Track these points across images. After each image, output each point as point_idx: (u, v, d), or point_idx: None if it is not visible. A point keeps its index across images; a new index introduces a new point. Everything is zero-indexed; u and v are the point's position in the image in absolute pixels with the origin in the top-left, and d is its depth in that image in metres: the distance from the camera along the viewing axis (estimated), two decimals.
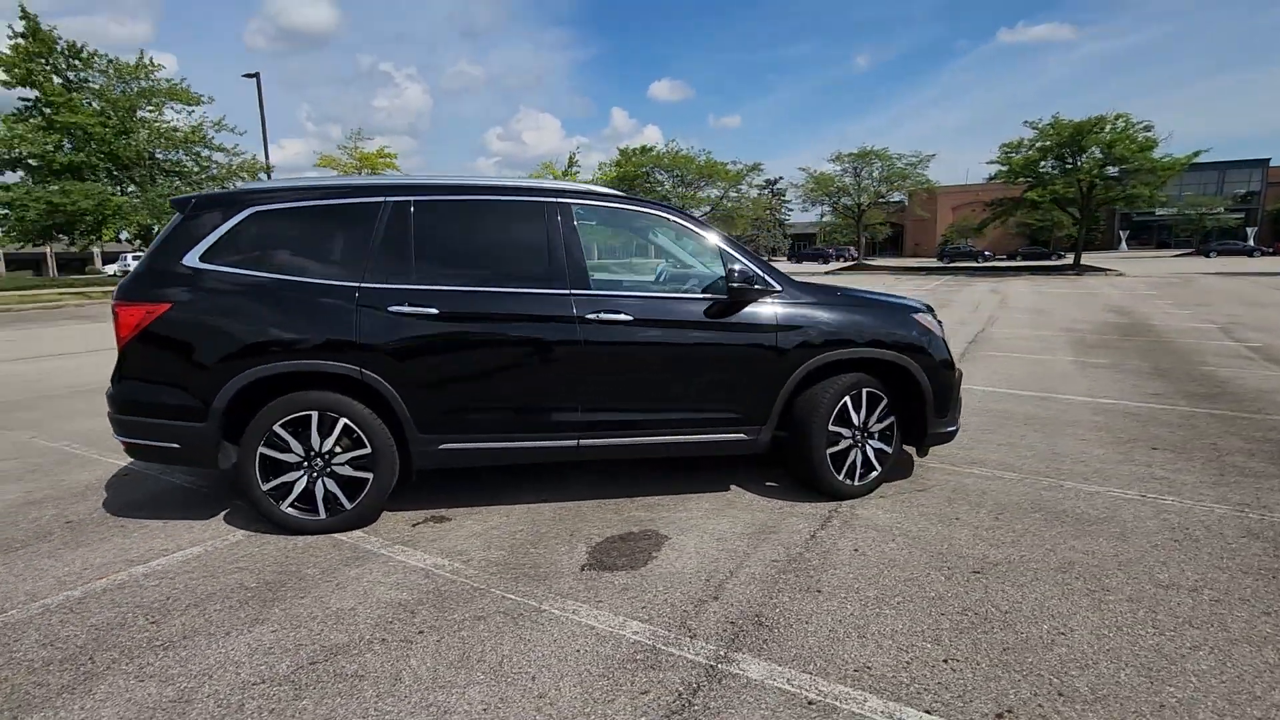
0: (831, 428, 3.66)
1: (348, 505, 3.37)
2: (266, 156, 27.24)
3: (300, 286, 3.30)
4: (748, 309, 3.59)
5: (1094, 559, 2.99)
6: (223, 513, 3.65)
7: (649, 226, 4.16)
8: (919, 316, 3.90)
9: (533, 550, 3.17)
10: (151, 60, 23.55)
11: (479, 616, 2.59)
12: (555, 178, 51.91)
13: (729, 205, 49.55)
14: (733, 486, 3.95)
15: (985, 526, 3.36)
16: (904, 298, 4.21)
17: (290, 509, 3.33)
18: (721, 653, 2.33)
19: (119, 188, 22.98)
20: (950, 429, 3.94)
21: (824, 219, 60.44)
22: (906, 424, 3.87)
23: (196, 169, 25.21)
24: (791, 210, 66.84)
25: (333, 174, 28.81)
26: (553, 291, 3.45)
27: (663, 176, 49.56)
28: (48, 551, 3.23)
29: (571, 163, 52.25)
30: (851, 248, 59.25)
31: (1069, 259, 38.41)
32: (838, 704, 2.06)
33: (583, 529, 3.40)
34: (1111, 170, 31.25)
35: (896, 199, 52.40)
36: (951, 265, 46.12)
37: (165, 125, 23.65)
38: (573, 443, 3.51)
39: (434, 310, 3.34)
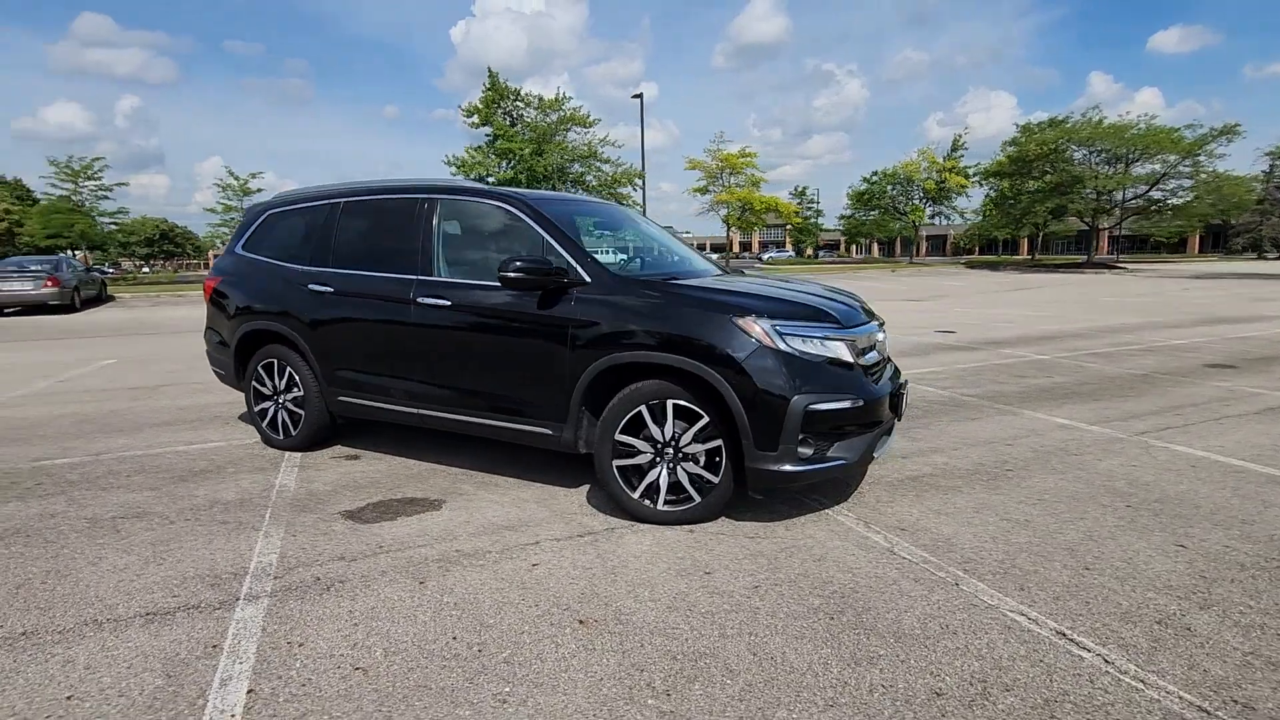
0: (620, 437, 3.28)
1: (293, 432, 4.50)
2: (643, 165, 31.93)
3: (273, 267, 4.51)
4: (548, 301, 3.45)
5: None
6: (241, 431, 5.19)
7: (488, 214, 4.02)
8: (744, 321, 3.10)
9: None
10: (563, 94, 30.20)
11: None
12: (931, 164, 47.26)
13: (1186, 184, 37.62)
14: (587, 488, 3.82)
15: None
16: (771, 295, 3.39)
17: (267, 428, 4.62)
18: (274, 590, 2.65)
19: None
20: (792, 469, 3.05)
21: None
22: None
23: (591, 179, 31.18)
24: None
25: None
26: (399, 276, 3.93)
27: (1080, 153, 40.39)
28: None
29: (956, 146, 46.61)
30: None
31: None
32: None
33: (371, 493, 3.86)
34: None
35: None
36: None
37: (568, 145, 29.96)
38: (415, 411, 3.96)
39: (331, 289, 4.18)
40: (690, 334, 3.14)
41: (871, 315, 3.75)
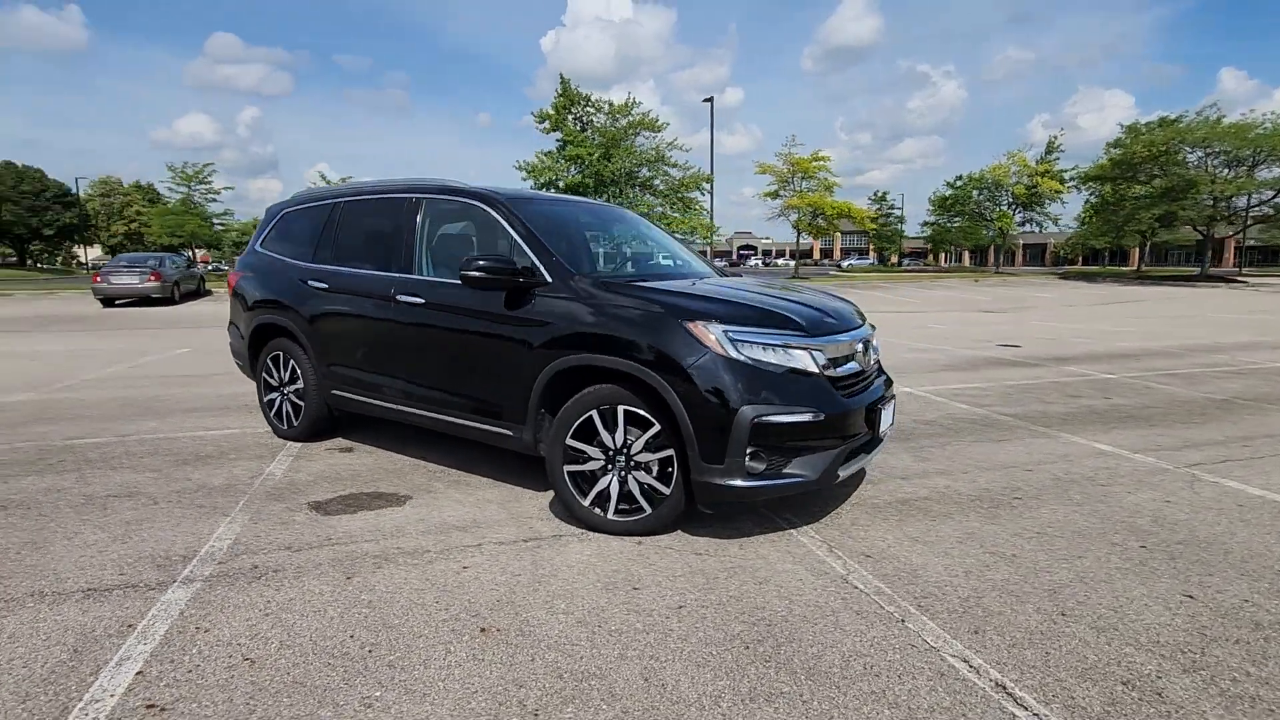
0: (571, 442, 3.18)
1: (295, 423, 4.67)
2: (712, 170, 31.70)
3: (283, 265, 4.69)
4: (513, 301, 3.40)
5: None
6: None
7: (466, 213, 4.03)
8: (694, 326, 2.93)
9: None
10: (633, 99, 30.38)
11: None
12: (1022, 168, 44.37)
13: None
14: (553, 493, 3.75)
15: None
16: (731, 299, 3.20)
17: (274, 418, 4.82)
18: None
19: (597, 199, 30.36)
20: (741, 484, 2.87)
21: None
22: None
23: (659, 183, 31.21)
24: None
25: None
26: (383, 273, 3.99)
27: (1195, 156, 36.94)
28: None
29: (1051, 148, 43.50)
30: None
31: None
32: None
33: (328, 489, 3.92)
34: None
35: None
36: None
37: (636, 149, 30.09)
38: (395, 407, 4.01)
39: (326, 285, 4.30)
40: (639, 338, 3.01)
41: (854, 324, 3.49)
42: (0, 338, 11.58)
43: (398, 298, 3.88)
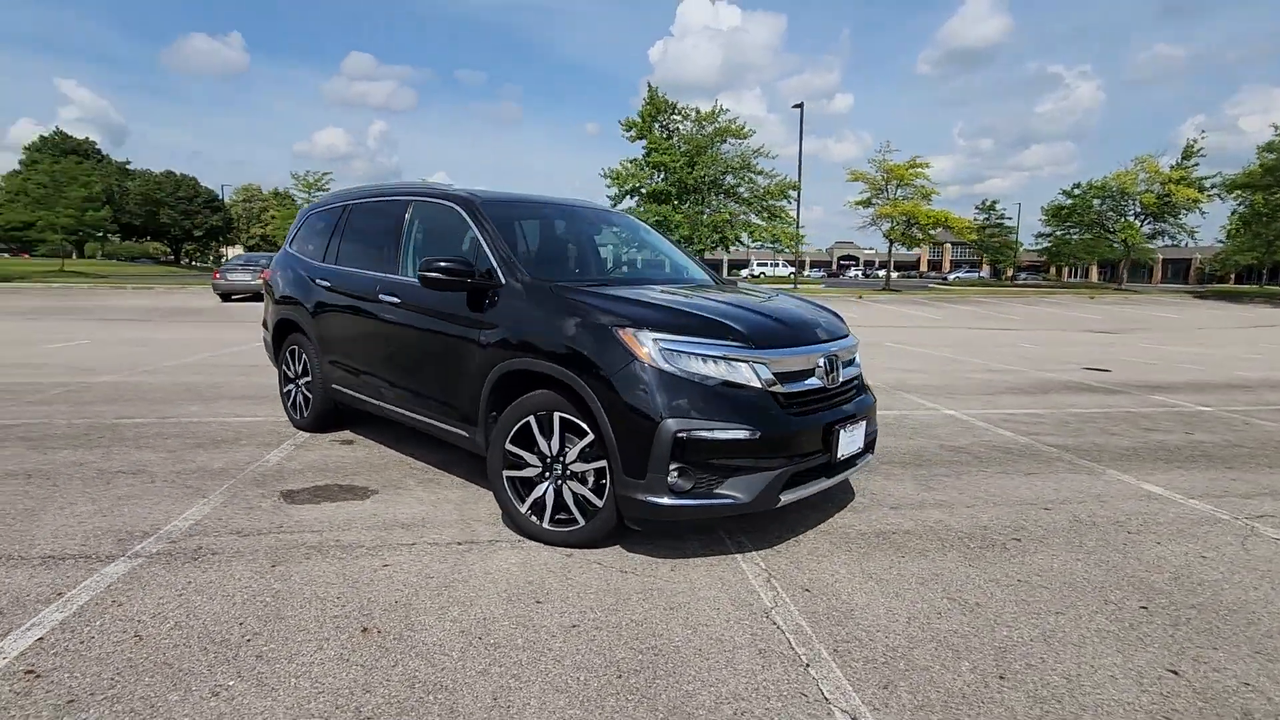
0: (510, 447, 3.13)
1: (305, 414, 4.91)
2: (800, 177, 30.92)
3: (302, 263, 4.95)
4: (472, 303, 3.39)
5: None
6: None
7: (444, 214, 3.94)
8: (624, 333, 2.79)
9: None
10: (720, 105, 30.16)
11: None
12: (1151, 174, 40.00)
13: None
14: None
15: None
16: (670, 306, 3.07)
17: (289, 408, 5.10)
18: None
19: (680, 206, 30.35)
20: (664, 501, 2.70)
21: None
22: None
23: (743, 190, 30.77)
24: None
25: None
26: (372, 273, 4.11)
27: None
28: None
29: (1189, 154, 38.87)
30: None
31: None
32: None
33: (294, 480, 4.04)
34: None
35: None
36: None
37: (721, 156, 29.80)
38: (378, 404, 4.12)
39: (328, 284, 4.49)
40: (572, 343, 2.92)
41: (815, 338, 3.21)
42: (127, 326, 13.03)
43: (380, 297, 3.99)
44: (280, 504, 3.54)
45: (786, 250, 30.95)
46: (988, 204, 59.71)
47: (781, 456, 2.82)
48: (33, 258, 54.14)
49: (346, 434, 4.93)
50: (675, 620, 2.49)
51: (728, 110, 29.73)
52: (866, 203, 35.80)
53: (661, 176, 30.06)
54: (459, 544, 3.11)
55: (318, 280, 4.62)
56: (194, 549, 2.96)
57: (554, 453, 3.04)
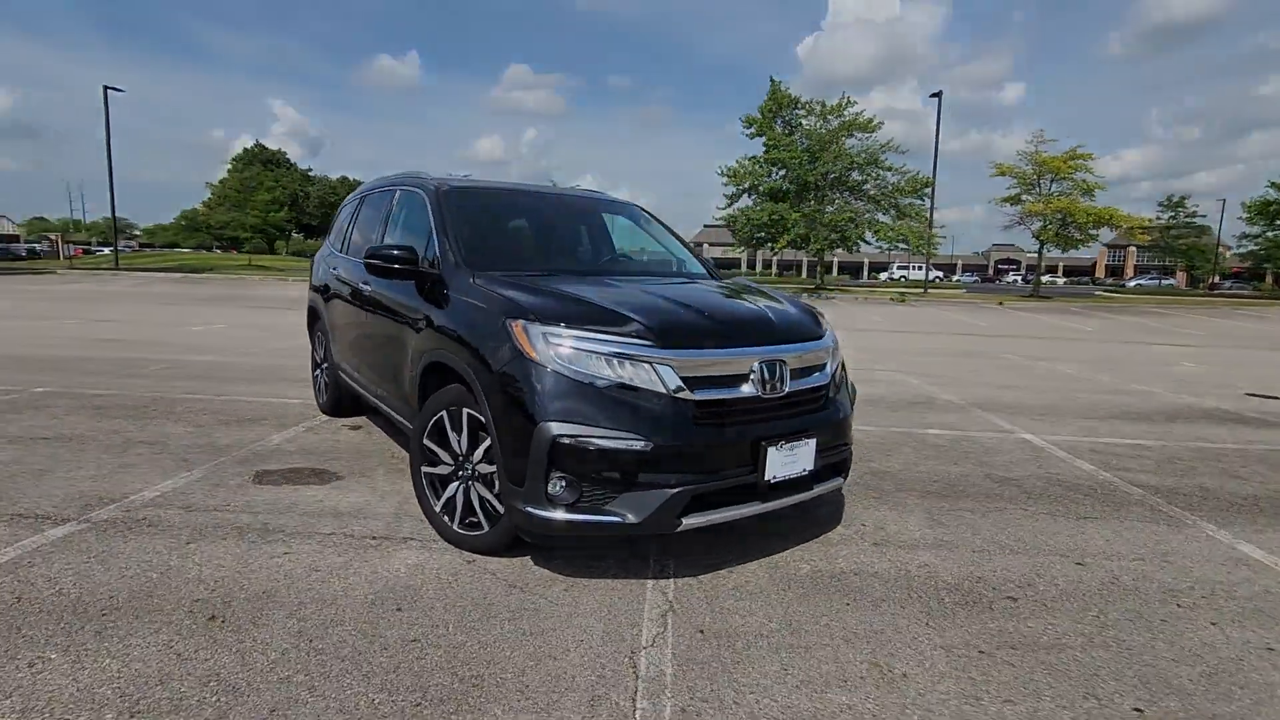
0: (426, 442, 2.99)
1: (324, 398, 5.12)
2: (934, 173, 28.50)
3: (328, 252, 5.16)
4: (421, 292, 3.29)
5: None
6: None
7: (415, 201, 3.83)
8: (514, 324, 2.52)
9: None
10: (846, 98, 28.39)
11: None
12: None
13: None
14: None
15: None
16: (571, 295, 2.82)
17: (315, 391, 5.35)
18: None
19: (799, 205, 28.96)
20: (543, 514, 2.43)
21: None
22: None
23: (870, 187, 28.84)
24: None
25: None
26: (359, 260, 4.15)
27: None
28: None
29: None
30: None
31: None
32: None
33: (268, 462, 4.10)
34: None
35: None
36: None
37: (846, 151, 28.06)
38: (362, 391, 4.17)
39: (336, 271, 4.63)
40: (470, 335, 2.75)
41: (751, 340, 2.76)
42: (267, 313, 14.63)
43: (360, 285, 4.03)
44: (245, 484, 3.67)
45: (918, 251, 28.61)
46: (1175, 199, 51.10)
47: (683, 473, 2.45)
48: (239, 253, 63.02)
49: (358, 420, 5.08)
50: (525, 648, 2.22)
51: (854, 103, 28.04)
52: (1015, 199, 32.01)
53: (781, 173, 28.99)
54: (372, 539, 3.02)
55: (332, 269, 4.80)
56: (136, 520, 3.12)
57: (464, 451, 2.87)
